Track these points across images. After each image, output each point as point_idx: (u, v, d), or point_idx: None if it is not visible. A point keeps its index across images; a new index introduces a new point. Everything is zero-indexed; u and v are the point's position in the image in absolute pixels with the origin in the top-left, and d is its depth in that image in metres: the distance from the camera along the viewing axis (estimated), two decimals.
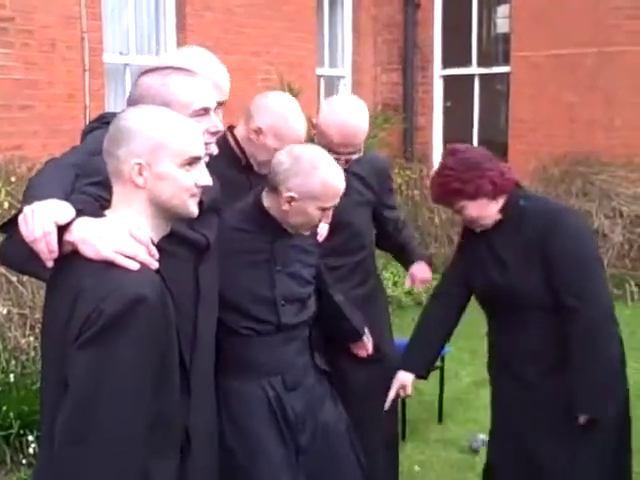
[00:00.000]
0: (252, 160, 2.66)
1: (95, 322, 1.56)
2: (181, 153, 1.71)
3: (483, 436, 4.18)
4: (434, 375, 4.32)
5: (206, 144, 1.85)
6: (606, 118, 7.47)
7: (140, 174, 1.69)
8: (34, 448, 3.70)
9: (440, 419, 4.50)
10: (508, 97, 8.09)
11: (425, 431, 4.35)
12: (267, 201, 2.34)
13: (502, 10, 8.83)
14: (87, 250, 1.64)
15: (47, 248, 1.64)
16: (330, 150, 2.59)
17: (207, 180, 1.76)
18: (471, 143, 8.28)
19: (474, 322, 6.37)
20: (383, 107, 8.18)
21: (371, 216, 3.05)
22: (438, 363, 4.36)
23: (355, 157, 2.84)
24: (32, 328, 4.07)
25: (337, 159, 2.56)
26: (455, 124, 8.57)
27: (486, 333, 2.73)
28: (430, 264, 3.15)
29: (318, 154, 2.33)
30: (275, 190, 2.30)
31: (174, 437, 1.80)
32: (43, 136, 5.05)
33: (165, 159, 1.70)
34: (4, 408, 3.80)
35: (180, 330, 1.77)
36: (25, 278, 4.15)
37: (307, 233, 2.39)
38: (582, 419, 2.43)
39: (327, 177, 2.29)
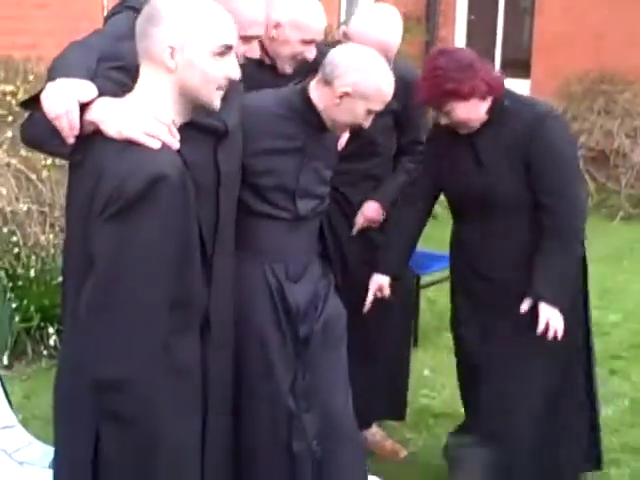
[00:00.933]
0: (277, 60, 2.64)
1: (117, 200, 1.58)
2: (215, 41, 1.70)
3: None
4: (447, 286, 4.35)
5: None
6: (634, 35, 7.28)
7: (172, 57, 1.67)
8: (55, 340, 3.80)
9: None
10: (533, 12, 7.89)
11: (436, 338, 4.40)
12: (314, 93, 2.32)
13: None
14: (109, 129, 1.64)
15: (69, 125, 1.64)
16: None
17: (236, 73, 1.75)
18: (494, 58, 8.13)
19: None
20: (405, 18, 7.95)
21: (392, 125, 3.02)
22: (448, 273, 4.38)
23: None
24: (52, 226, 4.12)
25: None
26: (478, 38, 8.38)
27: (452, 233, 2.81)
28: (384, 207, 3.06)
29: (378, 58, 2.34)
30: (328, 84, 2.29)
31: (194, 317, 1.83)
32: (59, 35, 4.95)
33: (199, 45, 1.68)
34: (25, 302, 3.89)
35: (202, 214, 1.79)
36: (44, 176, 4.17)
37: (342, 135, 2.39)
38: (528, 304, 2.52)
39: (383, 80, 2.31)
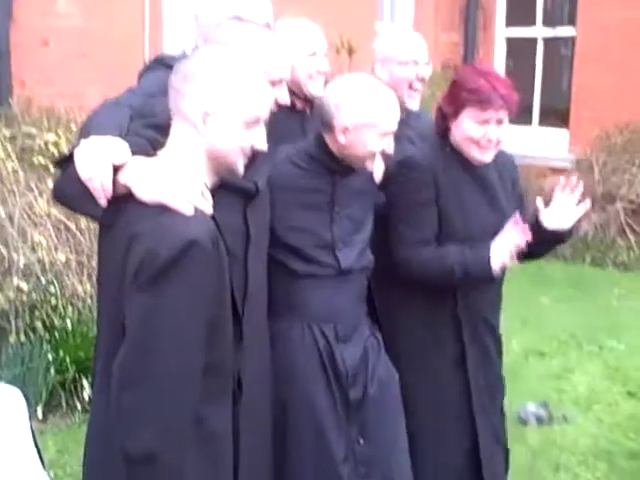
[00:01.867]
0: (303, 87, 2.59)
1: (150, 266, 1.56)
2: (248, 111, 1.69)
3: (533, 407, 4.14)
4: None
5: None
6: None
7: (204, 121, 1.66)
8: (88, 394, 3.77)
9: None
10: (572, 61, 7.85)
11: None
12: (327, 139, 2.29)
13: None
14: (141, 192, 1.62)
15: (101, 187, 1.62)
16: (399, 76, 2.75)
17: (263, 145, 1.75)
18: (532, 107, 8.08)
19: (523, 289, 6.33)
20: (442, 67, 7.99)
21: None
22: None
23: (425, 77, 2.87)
24: (89, 276, 4.12)
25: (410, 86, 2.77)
26: (516, 87, 8.32)
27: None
28: None
29: (364, 79, 2.29)
30: (329, 127, 2.25)
31: (226, 383, 1.79)
32: (101, 84, 5.02)
33: (232, 113, 1.67)
34: (61, 353, 3.88)
35: (233, 276, 1.76)
36: (83, 225, 4.19)
37: (371, 167, 2.31)
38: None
39: (377, 101, 2.23)
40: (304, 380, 2.25)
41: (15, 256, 3.91)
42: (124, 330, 1.61)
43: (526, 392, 4.40)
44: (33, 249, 3.99)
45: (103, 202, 1.65)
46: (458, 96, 2.40)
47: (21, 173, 4.12)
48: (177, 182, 1.62)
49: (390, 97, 2.27)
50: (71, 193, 1.73)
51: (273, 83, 1.94)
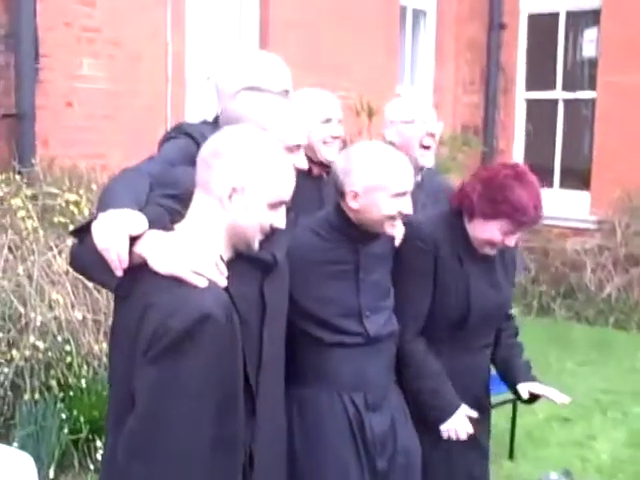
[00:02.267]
0: (317, 153, 2.64)
1: (162, 338, 1.55)
2: (275, 194, 1.72)
3: (556, 475, 4.02)
4: (506, 408, 4.18)
5: None
6: None
7: (230, 197, 1.68)
8: (102, 454, 3.71)
9: (511, 455, 4.34)
10: (593, 123, 7.86)
11: (494, 467, 4.16)
12: (344, 207, 2.29)
13: (589, 34, 8.62)
14: (156, 264, 1.63)
15: (118, 258, 1.64)
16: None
17: (282, 225, 1.76)
18: (553, 169, 8.08)
19: (545, 352, 6.22)
20: (463, 129, 8.05)
21: None
22: (511, 396, 4.21)
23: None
24: (105, 334, 4.11)
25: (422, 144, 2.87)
26: (537, 149, 8.37)
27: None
28: None
29: (372, 145, 2.31)
30: (342, 194, 2.26)
31: (237, 459, 1.75)
32: (125, 146, 5.11)
33: (259, 193, 1.70)
34: (75, 412, 3.85)
35: (246, 348, 1.74)
36: None
37: (391, 231, 2.28)
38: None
39: (385, 162, 2.22)
40: (335, 446, 2.23)
41: (32, 314, 3.91)
42: (133, 399, 1.59)
43: (549, 459, 4.30)
44: (50, 307, 4.00)
45: (119, 272, 1.66)
46: (499, 206, 2.33)
47: (41, 232, 4.16)
48: (192, 255, 1.64)
49: (399, 159, 2.26)
50: (88, 262, 1.76)
51: (290, 150, 1.96)
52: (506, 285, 2.58)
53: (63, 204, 4.36)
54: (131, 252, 1.65)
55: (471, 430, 2.40)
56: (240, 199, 1.69)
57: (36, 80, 4.70)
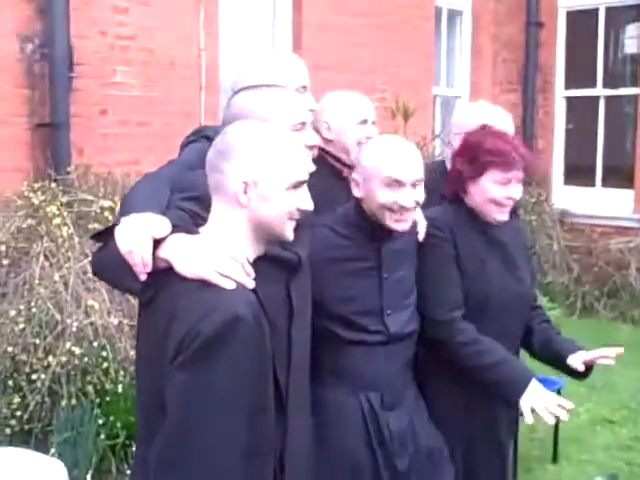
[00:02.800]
0: (351, 154, 2.60)
1: (192, 343, 1.51)
2: (289, 176, 1.66)
3: (600, 478, 3.91)
4: None
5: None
6: None
7: (245, 192, 1.64)
8: (131, 465, 3.72)
9: (555, 459, 4.23)
10: (636, 120, 7.68)
11: (539, 471, 4.09)
12: (362, 203, 2.26)
13: (630, 30, 8.43)
14: (182, 268, 1.60)
15: (141, 261, 1.60)
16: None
17: (309, 205, 1.71)
18: (595, 168, 7.92)
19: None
20: None
21: None
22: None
23: None
24: None
25: None
26: (577, 147, 8.21)
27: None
28: None
29: (383, 136, 2.31)
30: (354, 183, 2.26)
31: (269, 464, 1.72)
32: (159, 152, 5.13)
33: (273, 180, 1.65)
34: (111, 418, 3.85)
35: (275, 350, 1.70)
36: None
37: (394, 225, 2.20)
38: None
39: (383, 149, 2.20)
40: (349, 446, 2.19)
41: (68, 320, 3.94)
42: (164, 409, 1.55)
43: (594, 464, 4.19)
44: (86, 313, 4.01)
45: (143, 277, 1.62)
46: (479, 158, 2.40)
47: (76, 238, 4.18)
48: (218, 257, 1.60)
49: (404, 149, 2.21)
50: (110, 267, 1.73)
51: (295, 129, 1.93)
52: (525, 272, 2.53)
53: (98, 211, 4.39)
54: (155, 256, 1.62)
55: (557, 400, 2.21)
56: (256, 192, 1.64)
57: (71, 89, 4.75)
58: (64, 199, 4.38)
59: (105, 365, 3.98)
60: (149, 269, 1.61)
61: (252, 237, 1.68)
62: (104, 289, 4.14)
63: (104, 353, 3.98)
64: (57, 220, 4.19)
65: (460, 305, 2.38)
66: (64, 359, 3.88)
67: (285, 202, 1.67)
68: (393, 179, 2.16)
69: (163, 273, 1.62)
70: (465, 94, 8.03)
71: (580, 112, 8.26)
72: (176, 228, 1.67)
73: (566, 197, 7.95)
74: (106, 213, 4.36)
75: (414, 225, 2.37)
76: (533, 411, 2.19)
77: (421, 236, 2.40)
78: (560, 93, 8.17)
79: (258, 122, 1.74)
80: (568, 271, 7.56)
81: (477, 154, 2.41)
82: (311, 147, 2.00)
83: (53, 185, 4.47)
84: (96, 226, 4.30)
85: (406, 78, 7.01)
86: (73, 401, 3.87)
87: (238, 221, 1.66)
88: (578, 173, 8.14)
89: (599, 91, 7.97)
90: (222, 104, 5.68)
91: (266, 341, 1.62)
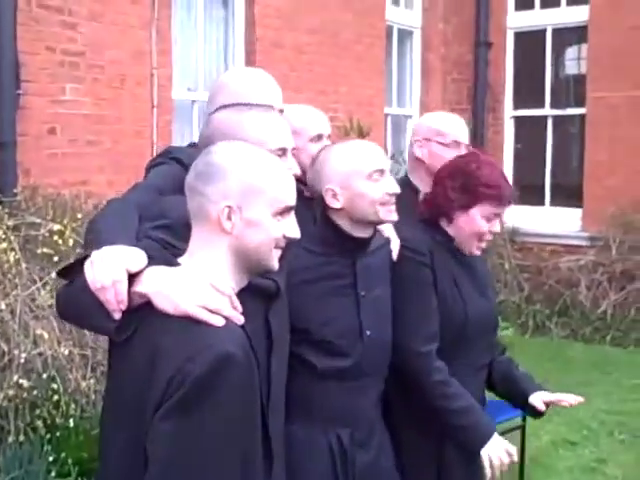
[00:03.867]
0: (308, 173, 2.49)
1: (179, 387, 1.37)
2: (277, 201, 1.55)
3: None
4: (514, 434, 4.02)
5: None
6: None
7: (229, 218, 1.51)
8: None
9: None
10: (582, 139, 7.80)
11: None
12: (331, 215, 2.16)
13: (573, 51, 8.59)
14: (164, 304, 1.45)
15: (115, 298, 1.45)
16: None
17: (296, 232, 1.60)
18: (544, 186, 8.00)
19: (544, 372, 6.07)
20: None
21: None
22: (519, 422, 4.07)
23: None
24: (93, 369, 3.93)
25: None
26: (526, 166, 8.29)
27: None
28: None
29: (331, 144, 2.26)
30: (323, 201, 2.15)
31: None
32: (109, 172, 4.96)
33: (259, 205, 1.53)
34: (62, 454, 3.65)
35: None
36: None
37: (389, 217, 2.16)
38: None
39: (350, 147, 2.17)
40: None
41: (16, 351, 3.72)
42: (144, 463, 1.40)
43: None
44: (35, 343, 3.80)
45: (117, 315, 1.48)
46: (474, 190, 2.32)
47: (24, 264, 3.97)
48: (203, 290, 1.47)
49: (365, 143, 2.21)
50: (79, 306, 1.56)
51: (277, 154, 1.80)
52: (492, 294, 2.53)
53: (47, 234, 4.18)
54: (130, 292, 1.48)
55: (514, 452, 2.22)
56: (240, 217, 1.52)
57: (17, 106, 4.54)
58: (10, 222, 4.16)
59: (55, 398, 3.77)
60: (124, 307, 1.47)
61: (236, 267, 1.55)
62: (53, 317, 3.94)
63: (54, 385, 3.77)
64: (3, 245, 3.97)
65: (437, 338, 2.31)
66: (11, 392, 3.66)
67: (272, 229, 1.55)
68: (378, 170, 2.12)
69: (140, 310, 1.48)
70: (416, 113, 8.03)
71: (528, 132, 8.34)
72: (153, 260, 1.53)
73: (516, 216, 8.01)
74: (55, 237, 4.16)
75: (387, 242, 2.30)
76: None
77: (395, 254, 2.32)
78: (509, 113, 8.25)
79: (243, 143, 1.62)
80: (519, 290, 7.59)
81: (472, 183, 2.32)
82: None
83: None
84: (44, 250, 4.11)
85: (358, 97, 6.97)
86: (21, 437, 3.65)
87: (221, 249, 1.53)
88: (527, 192, 8.22)
89: (547, 111, 8.07)
90: (175, 122, 5.54)
91: (256, 382, 1.50)
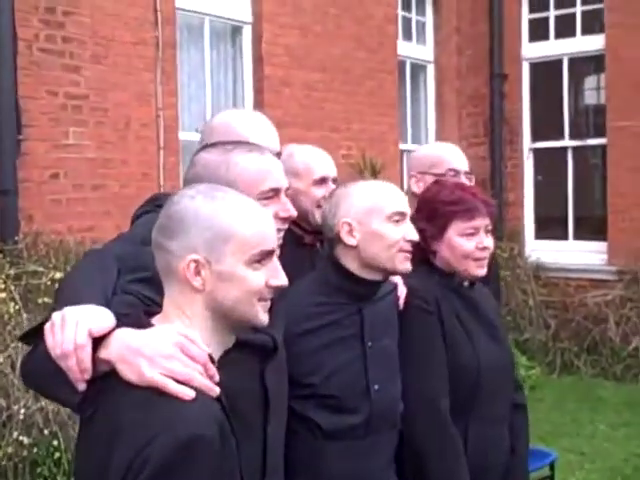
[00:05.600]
0: (310, 218, 2.35)
1: (137, 474, 1.17)
2: (250, 247, 1.35)
3: None
4: None
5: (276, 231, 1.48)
6: None
7: (197, 274, 1.33)
8: None
9: None
10: (604, 170, 7.58)
11: None
12: (340, 256, 1.99)
13: (591, 80, 8.43)
14: (127, 372, 1.27)
15: (78, 366, 1.27)
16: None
17: (282, 280, 1.40)
18: (566, 219, 7.78)
19: (575, 414, 5.81)
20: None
21: None
22: (547, 472, 3.81)
23: None
24: None
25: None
26: (548, 199, 8.08)
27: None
28: None
29: (349, 181, 2.12)
30: (336, 238, 1.99)
31: None
32: (117, 217, 4.82)
33: (229, 255, 1.34)
34: None
35: (248, 455, 1.40)
36: None
37: (404, 266, 2.01)
38: None
39: (373, 184, 2.05)
40: None
41: (15, 407, 3.56)
42: None
43: None
44: (35, 398, 3.63)
45: (81, 387, 1.31)
46: (439, 211, 2.23)
47: (24, 315, 3.82)
48: (172, 356, 1.28)
49: (388, 183, 2.09)
50: (41, 375, 1.39)
51: (267, 196, 1.65)
52: (502, 334, 2.37)
53: (49, 283, 4.03)
54: (96, 358, 1.30)
55: None
56: (209, 271, 1.34)
57: (19, 152, 4.43)
58: (11, 271, 4.03)
59: (57, 455, 3.59)
60: (88, 376, 1.29)
61: (215, 327, 1.37)
62: None
63: (55, 442, 3.59)
64: (2, 295, 3.83)
65: (447, 394, 2.14)
66: (11, 450, 3.50)
67: (249, 281, 1.36)
68: (400, 212, 2.00)
69: (106, 379, 1.29)
70: None
71: (548, 164, 8.15)
72: (122, 321, 1.35)
73: (539, 251, 7.78)
74: (57, 285, 4.01)
75: (394, 288, 2.13)
76: None
77: (401, 303, 2.14)
78: (527, 145, 8.06)
79: (208, 186, 1.43)
80: (545, 327, 7.32)
81: (433, 208, 2.25)
82: (284, 219, 1.70)
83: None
84: (46, 300, 3.95)
85: (372, 134, 6.83)
86: None
87: (196, 309, 1.35)
88: (550, 225, 8.00)
89: (566, 142, 7.88)
90: (182, 164, 5.41)
91: (234, 465, 1.30)
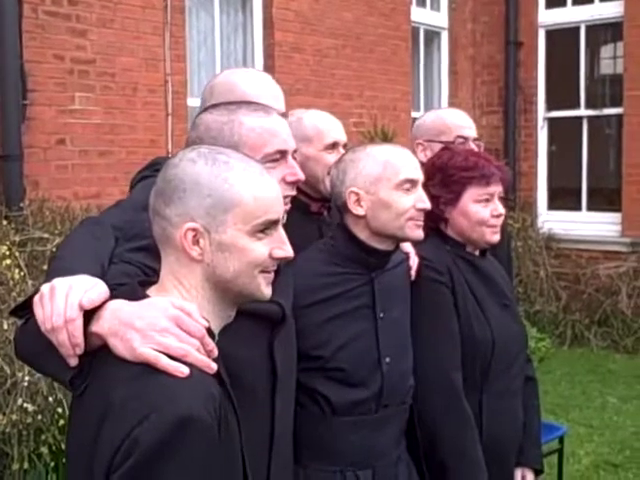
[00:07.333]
0: (322, 186, 2.25)
1: (127, 456, 1.11)
2: (253, 216, 1.27)
3: None
4: (551, 459, 3.74)
5: (283, 197, 1.40)
6: None
7: (195, 243, 1.25)
8: None
9: None
10: (620, 141, 7.45)
11: None
12: (350, 225, 1.93)
13: (608, 49, 8.25)
14: (119, 346, 1.20)
15: (69, 341, 1.21)
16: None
17: (287, 251, 1.31)
18: (580, 190, 7.68)
19: (584, 387, 5.76)
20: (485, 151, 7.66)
21: None
22: (556, 445, 3.78)
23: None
24: None
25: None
26: (561, 170, 7.96)
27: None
28: None
29: (358, 145, 2.03)
30: (344, 207, 1.92)
31: None
32: (122, 184, 4.77)
33: (230, 224, 1.26)
34: None
35: (254, 426, 1.36)
36: None
37: (415, 234, 1.95)
38: None
39: (382, 150, 1.94)
40: None
41: (20, 374, 3.54)
42: None
43: None
44: None
45: (73, 361, 1.24)
46: (454, 177, 2.17)
47: (30, 282, 3.79)
48: (167, 330, 1.21)
49: (399, 148, 1.98)
50: (32, 350, 1.33)
51: (273, 159, 1.57)
52: (513, 304, 2.32)
53: (54, 250, 4.00)
54: (88, 332, 1.24)
55: None
56: (208, 241, 1.26)
57: (24, 117, 4.37)
58: (16, 238, 3.99)
59: (62, 422, 3.58)
60: (80, 350, 1.22)
61: (215, 299, 1.29)
62: None
63: (60, 409, 3.58)
64: (7, 261, 3.80)
65: (459, 366, 2.09)
66: (15, 417, 3.48)
67: (252, 252, 1.28)
68: (410, 179, 1.92)
69: (99, 354, 1.23)
70: None
71: (563, 134, 8.02)
72: (115, 292, 1.29)
73: (551, 221, 7.68)
74: None
75: (406, 258, 2.07)
76: None
77: (413, 273, 2.08)
78: (542, 114, 7.93)
79: (209, 148, 1.35)
80: (556, 299, 7.26)
81: (449, 174, 2.18)
82: (292, 183, 1.62)
83: (4, 222, 4.08)
84: None
85: (384, 101, 6.72)
86: (25, 464, 3.47)
87: (194, 280, 1.28)
88: (563, 196, 7.89)
89: (582, 112, 7.74)
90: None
91: (231, 447, 1.24)
